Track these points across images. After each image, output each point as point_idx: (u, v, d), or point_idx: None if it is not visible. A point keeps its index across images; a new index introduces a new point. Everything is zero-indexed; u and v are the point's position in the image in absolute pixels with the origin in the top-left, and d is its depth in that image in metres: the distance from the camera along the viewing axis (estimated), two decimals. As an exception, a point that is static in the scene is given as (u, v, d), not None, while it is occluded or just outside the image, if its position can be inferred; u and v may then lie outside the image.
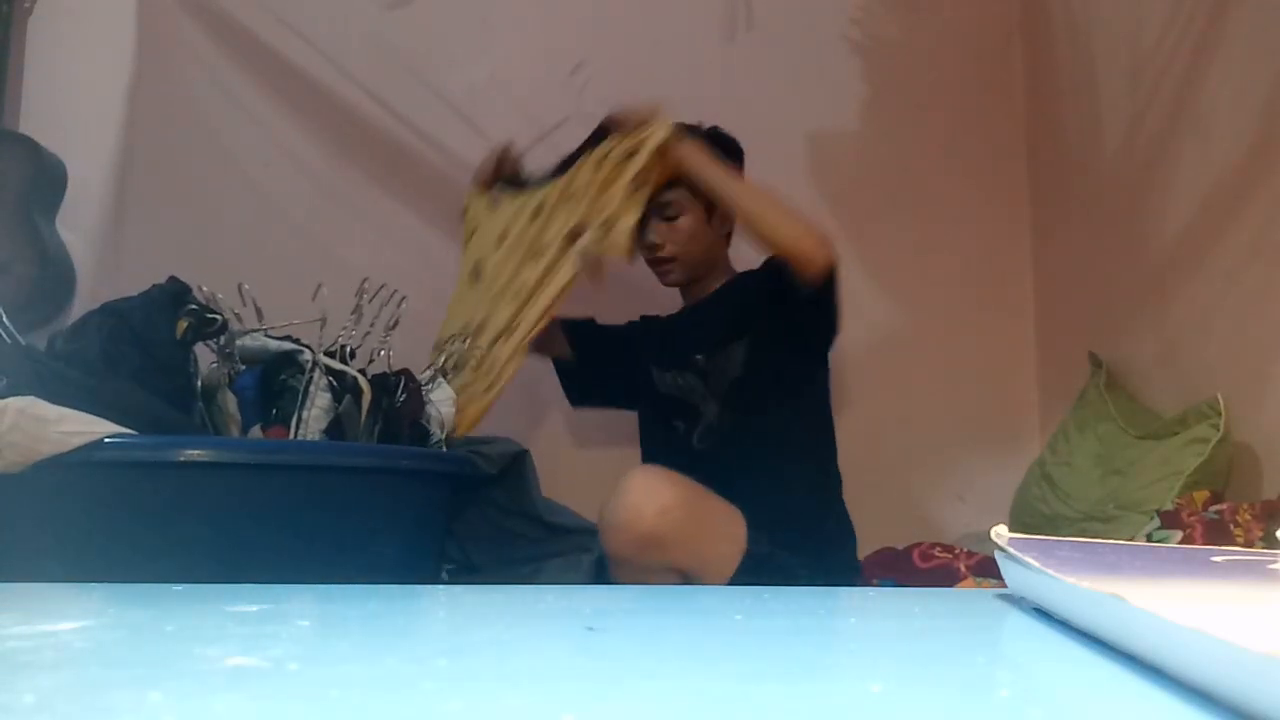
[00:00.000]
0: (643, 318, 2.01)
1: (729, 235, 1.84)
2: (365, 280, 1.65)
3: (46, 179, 1.84)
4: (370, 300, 1.64)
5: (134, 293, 1.56)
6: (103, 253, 1.92)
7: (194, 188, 2.10)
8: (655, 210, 1.75)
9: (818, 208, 2.27)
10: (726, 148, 1.78)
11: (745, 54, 2.28)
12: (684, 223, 1.76)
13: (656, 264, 1.81)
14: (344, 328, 1.60)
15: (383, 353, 1.62)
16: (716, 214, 1.79)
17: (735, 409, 1.72)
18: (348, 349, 1.59)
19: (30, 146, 1.83)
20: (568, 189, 1.78)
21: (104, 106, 1.96)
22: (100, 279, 1.87)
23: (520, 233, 1.83)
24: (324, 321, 1.58)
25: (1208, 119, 1.67)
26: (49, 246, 1.81)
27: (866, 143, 2.30)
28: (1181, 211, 1.73)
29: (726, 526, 1.54)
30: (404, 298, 1.67)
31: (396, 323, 1.65)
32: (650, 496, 1.45)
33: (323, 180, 2.17)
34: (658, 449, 1.83)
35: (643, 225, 1.75)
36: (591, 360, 1.96)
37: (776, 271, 1.64)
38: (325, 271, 2.06)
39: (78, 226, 1.88)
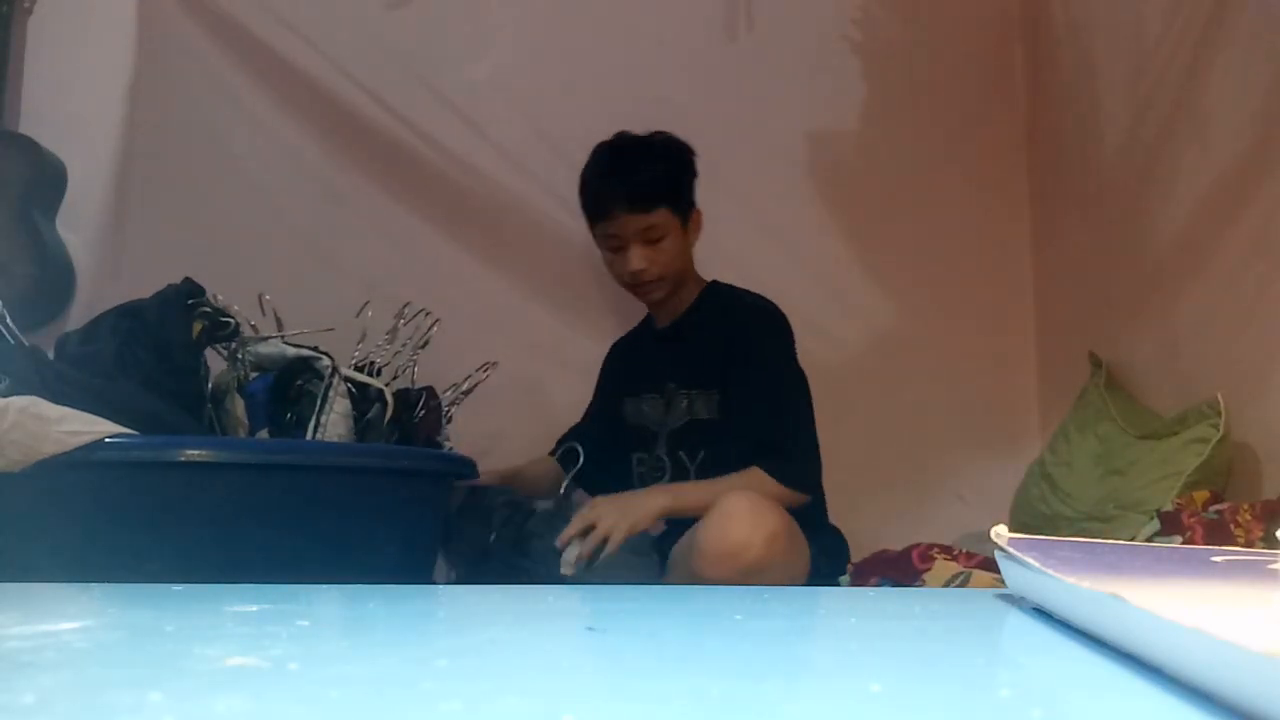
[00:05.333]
0: (613, 347, 2.00)
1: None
2: (406, 305, 1.68)
3: (46, 179, 1.84)
4: (406, 323, 1.67)
5: (134, 293, 1.56)
6: (103, 253, 1.92)
7: (194, 187, 2.09)
8: (636, 234, 1.71)
9: (818, 208, 2.27)
10: (683, 162, 1.76)
11: (745, 54, 2.28)
12: (667, 243, 1.73)
13: (639, 287, 1.77)
14: (377, 345, 1.64)
15: (407, 370, 1.66)
16: (691, 222, 1.78)
17: (699, 450, 1.73)
18: (375, 365, 1.62)
19: (30, 146, 1.83)
20: None
21: (104, 106, 1.96)
22: (100, 279, 1.87)
23: None
24: (337, 330, 1.60)
25: (1208, 119, 1.67)
26: (49, 246, 1.81)
27: (866, 143, 2.29)
28: (1182, 211, 1.73)
29: (803, 547, 1.55)
30: (437, 320, 1.69)
31: (426, 343, 1.67)
32: (758, 526, 1.43)
33: (322, 180, 2.17)
34: (616, 483, 1.79)
35: (616, 249, 1.73)
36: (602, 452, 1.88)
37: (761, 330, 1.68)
38: (325, 271, 2.08)
39: (78, 226, 1.88)
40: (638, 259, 1.72)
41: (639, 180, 1.72)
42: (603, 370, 2.00)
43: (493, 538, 1.72)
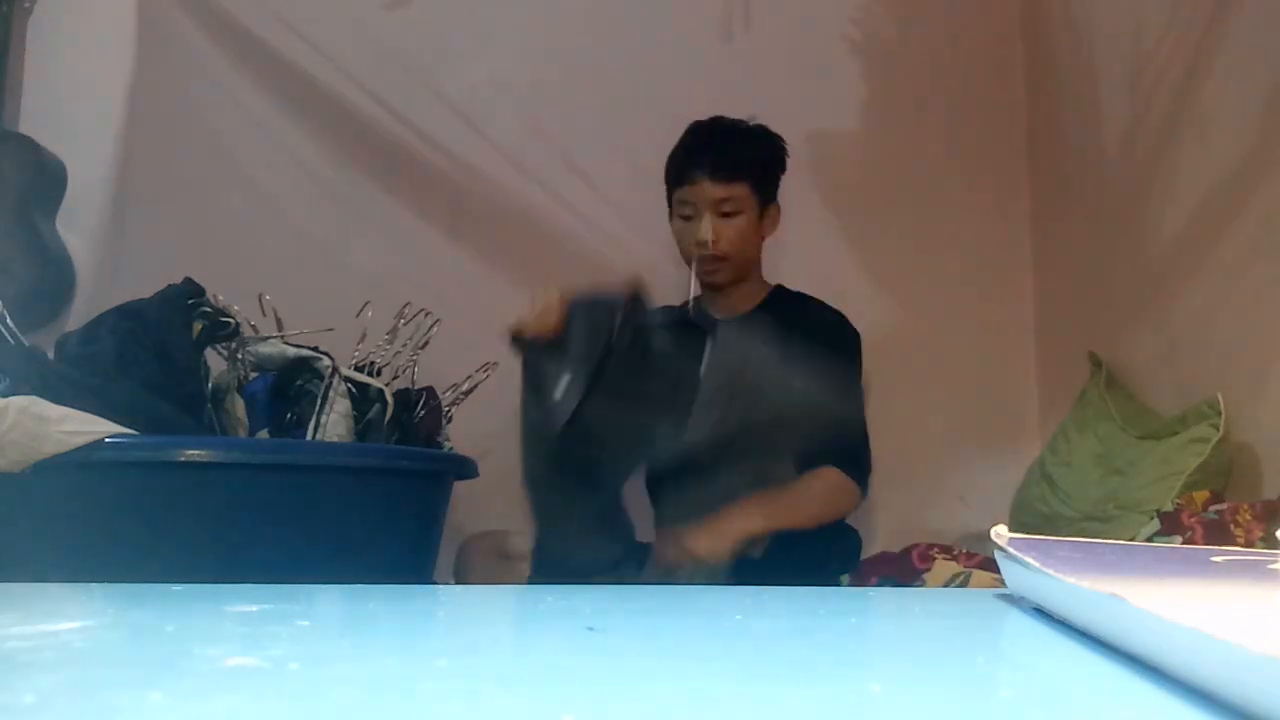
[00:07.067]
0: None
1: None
2: (406, 305, 1.68)
3: (46, 179, 1.84)
4: (406, 323, 1.68)
5: (134, 293, 1.56)
6: (103, 253, 1.92)
7: (194, 188, 2.10)
8: (712, 204, 1.69)
9: (818, 208, 2.27)
10: (774, 150, 1.76)
11: (744, 54, 2.28)
12: (741, 221, 1.71)
13: (704, 261, 1.72)
14: (377, 345, 1.64)
15: (407, 370, 1.66)
16: (767, 216, 1.76)
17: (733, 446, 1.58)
18: (375, 365, 1.63)
19: (30, 146, 1.83)
20: None
21: (104, 106, 1.96)
22: (100, 279, 1.87)
23: None
24: (337, 330, 1.60)
25: (1208, 119, 1.67)
26: (49, 246, 1.81)
27: (866, 143, 2.29)
28: (1182, 211, 1.73)
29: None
30: (437, 320, 1.69)
31: (426, 343, 1.67)
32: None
33: (322, 180, 2.17)
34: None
35: (689, 219, 1.71)
36: None
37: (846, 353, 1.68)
38: (324, 271, 2.08)
39: (78, 226, 1.88)
40: (708, 229, 1.69)
41: (725, 149, 1.72)
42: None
43: (618, 320, 1.48)
